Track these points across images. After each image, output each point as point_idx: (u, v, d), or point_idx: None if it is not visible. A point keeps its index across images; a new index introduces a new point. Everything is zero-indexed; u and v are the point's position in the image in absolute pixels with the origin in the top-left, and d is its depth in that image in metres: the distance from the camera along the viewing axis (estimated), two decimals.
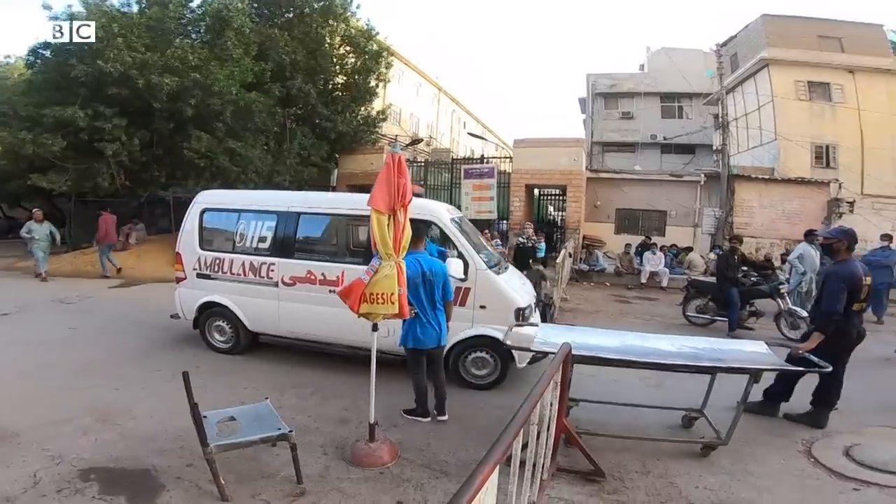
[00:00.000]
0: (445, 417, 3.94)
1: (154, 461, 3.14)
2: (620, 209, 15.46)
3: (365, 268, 3.23)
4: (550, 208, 16.96)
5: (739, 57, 20.39)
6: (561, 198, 15.08)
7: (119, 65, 9.74)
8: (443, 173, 16.98)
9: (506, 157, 15.38)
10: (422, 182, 15.96)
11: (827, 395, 4.02)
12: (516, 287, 4.92)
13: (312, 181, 14.70)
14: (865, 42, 18.09)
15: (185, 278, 5.51)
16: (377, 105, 17.42)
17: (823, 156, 17.34)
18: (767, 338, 6.40)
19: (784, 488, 3.08)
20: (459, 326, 4.47)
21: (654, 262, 12.03)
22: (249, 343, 5.40)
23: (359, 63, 15.68)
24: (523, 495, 2.19)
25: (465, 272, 4.48)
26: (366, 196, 5.01)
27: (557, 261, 8.86)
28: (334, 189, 16.57)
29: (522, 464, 2.12)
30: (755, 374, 3.29)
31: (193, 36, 12.28)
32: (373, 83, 16.13)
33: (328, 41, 14.72)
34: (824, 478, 3.24)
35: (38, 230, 9.86)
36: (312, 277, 4.94)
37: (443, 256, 5.15)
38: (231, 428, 2.97)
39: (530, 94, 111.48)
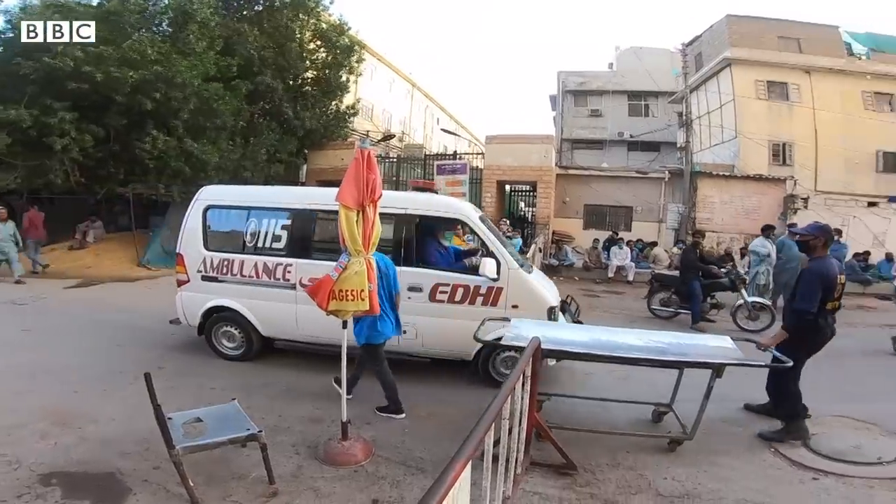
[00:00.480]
0: (403, 416, 3.96)
1: (118, 464, 3.05)
2: (589, 205, 15.78)
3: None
4: (521, 204, 17.17)
5: (704, 56, 20.97)
6: (531, 194, 15.28)
7: (69, 60, 9.28)
8: (415, 169, 16.93)
9: (478, 154, 15.47)
10: (393, 178, 15.88)
11: (794, 400, 3.84)
12: (546, 286, 4.92)
13: (280, 177, 14.46)
14: (822, 43, 18.83)
15: (188, 281, 5.12)
16: (348, 100, 17.21)
17: (780, 153, 18.11)
18: (728, 329, 6.72)
19: (748, 479, 3.18)
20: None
21: (621, 257, 12.36)
22: (262, 348, 5.08)
23: (329, 58, 15.45)
24: (497, 490, 2.21)
25: (497, 272, 4.41)
26: (394, 193, 5.02)
27: (528, 256, 8.98)
28: (303, 185, 16.33)
29: (496, 458, 2.14)
30: (717, 369, 3.36)
31: (155, 29, 11.84)
32: (344, 78, 15.92)
33: (298, 35, 14.43)
34: (785, 468, 3.36)
35: (3, 230, 9.23)
36: None
37: (466, 255, 5.18)
38: (198, 429, 2.91)
39: (503, 90, 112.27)
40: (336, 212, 4.96)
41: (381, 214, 4.89)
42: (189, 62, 10.63)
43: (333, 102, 16.31)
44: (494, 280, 4.42)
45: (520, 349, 3.33)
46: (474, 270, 4.55)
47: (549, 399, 4.04)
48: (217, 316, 5.10)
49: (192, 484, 2.68)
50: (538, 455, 3.27)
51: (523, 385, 2.59)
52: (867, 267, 12.64)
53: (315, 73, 15.56)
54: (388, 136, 18.60)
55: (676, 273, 8.36)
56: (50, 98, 9.65)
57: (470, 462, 1.56)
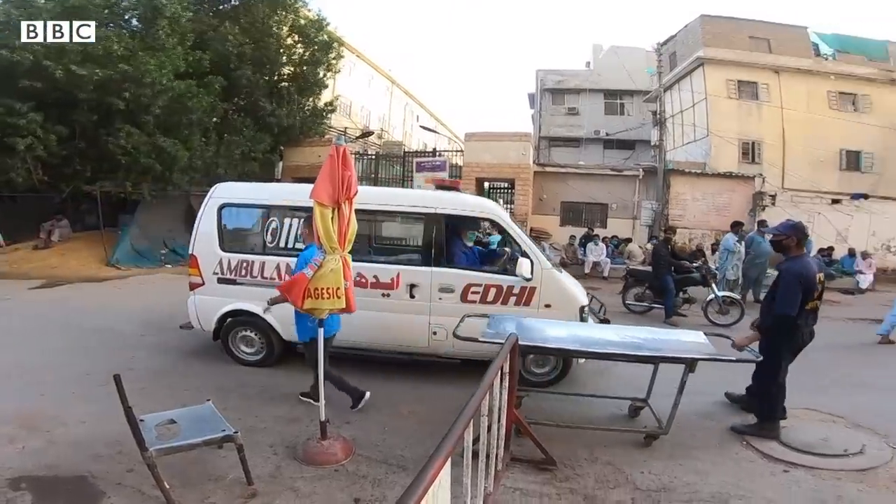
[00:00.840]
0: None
1: (90, 467, 2.98)
2: (565, 202, 15.96)
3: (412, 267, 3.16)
4: (500, 201, 17.28)
5: (678, 56, 21.29)
6: (510, 191, 15.39)
7: (28, 53, 8.92)
8: (394, 166, 16.87)
9: (458, 151, 15.52)
10: (372, 175, 15.79)
11: (772, 403, 3.80)
12: (576, 285, 4.89)
13: (255, 174, 14.23)
14: (791, 43, 19.30)
15: (203, 284, 4.83)
16: (326, 97, 17.01)
17: (750, 152, 18.63)
18: (700, 324, 6.89)
19: (722, 471, 3.26)
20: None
21: (597, 253, 12.59)
22: (282, 353, 4.87)
23: (307, 54, 15.23)
24: (479, 486, 2.21)
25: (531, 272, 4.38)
26: (421, 192, 4.91)
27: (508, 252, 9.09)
28: (279, 182, 16.10)
29: (476, 455, 2.15)
30: (690, 364, 3.41)
31: (123, 24, 11.50)
32: (322, 74, 15.72)
33: (275, 31, 14.19)
34: (757, 460, 3.44)
35: None
36: (363, 280, 4.52)
37: (500, 255, 5.11)
38: (172, 431, 2.86)
39: (483, 88, 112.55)
40: (362, 210, 4.77)
41: (411, 214, 4.81)
42: (158, 59, 10.35)
43: (311, 99, 16.10)
44: (528, 280, 4.40)
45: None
46: (504, 270, 4.59)
47: (528, 395, 4.08)
48: (234, 320, 4.86)
49: (167, 486, 2.63)
50: (518, 451, 3.29)
51: (501, 381, 2.60)
52: (831, 262, 13.12)
53: (292, 69, 15.32)
54: (366, 133, 18.47)
55: (650, 269, 8.55)
56: (6, 96, 9.25)
57: (450, 459, 1.56)
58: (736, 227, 9.73)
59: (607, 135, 25.27)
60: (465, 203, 4.86)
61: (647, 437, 3.60)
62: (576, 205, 15.98)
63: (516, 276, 4.38)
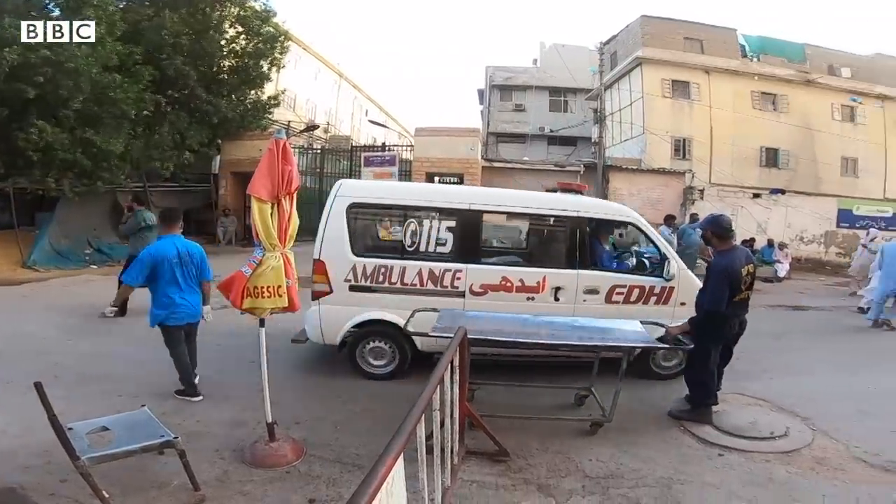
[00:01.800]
0: (199, 398, 4.03)
1: (18, 479, 2.79)
2: None
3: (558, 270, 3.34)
4: None
5: (619, 55, 21.99)
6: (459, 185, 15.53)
7: None
8: (341, 161, 16.57)
9: (408, 146, 15.47)
10: (317, 170, 15.44)
11: (703, 391, 3.95)
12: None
13: (190, 168, 13.55)
14: (721, 44, 20.39)
15: (331, 292, 4.42)
16: (270, 90, 16.42)
17: (681, 148, 19.72)
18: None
19: (664, 457, 3.40)
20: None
21: None
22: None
23: (250, 46, 14.62)
24: (436, 481, 2.24)
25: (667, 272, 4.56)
26: (564, 196, 4.82)
27: None
28: (215, 177, 15.42)
29: (431, 450, 2.17)
30: (628, 352, 3.57)
31: (45, 12, 10.56)
32: (265, 67, 15.14)
33: (215, 22, 13.52)
34: (694, 445, 3.62)
35: None
36: (508, 285, 4.43)
37: (644, 258, 5.17)
38: (105, 438, 2.73)
39: (435, 83, 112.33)
40: (505, 213, 4.80)
41: (557, 218, 4.79)
42: (84, 51, 9.60)
43: (253, 92, 15.52)
44: (668, 280, 4.59)
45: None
46: (639, 270, 4.81)
47: (480, 388, 4.14)
48: (365, 330, 4.54)
49: (106, 495, 2.50)
50: (473, 444, 3.34)
51: (452, 375, 2.61)
52: (752, 252, 14.21)
53: (234, 61, 14.69)
54: (311, 127, 17.99)
55: None
56: None
57: (402, 455, 1.57)
58: (669, 220, 10.39)
59: (551, 131, 25.99)
60: (608, 208, 5.10)
61: (592, 424, 3.72)
62: None
63: (658, 276, 4.63)
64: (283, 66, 16.38)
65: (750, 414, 4.12)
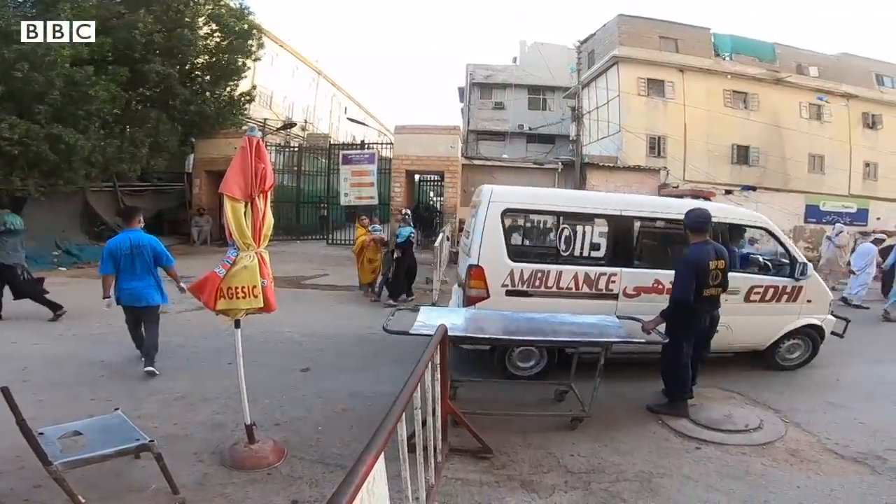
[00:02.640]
0: (151, 369, 4.44)
1: None
2: None
3: None
4: (431, 193, 17.40)
5: (597, 54, 22.32)
6: (440, 183, 15.54)
7: None
8: (319, 159, 16.41)
9: (387, 144, 15.40)
10: (294, 168, 15.25)
11: (679, 384, 4.03)
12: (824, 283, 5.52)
13: (163, 169, 13.24)
14: (695, 43, 20.86)
15: (488, 297, 4.49)
16: (244, 87, 16.13)
17: (656, 146, 20.15)
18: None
19: (643, 451, 3.45)
20: (786, 320, 5.00)
21: None
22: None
23: (225, 43, 14.36)
24: (420, 479, 2.23)
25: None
26: (712, 205, 5.15)
27: (436, 244, 9.17)
28: (189, 175, 15.10)
29: (413, 448, 2.17)
30: (606, 347, 3.62)
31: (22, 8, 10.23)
32: (240, 63, 14.88)
33: (188, 19, 13.20)
34: (672, 439, 3.67)
35: None
36: (660, 287, 4.57)
37: (772, 265, 5.46)
38: (78, 443, 2.66)
39: (417, 81, 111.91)
40: (654, 219, 4.94)
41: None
42: (58, 46, 9.31)
43: (227, 89, 15.23)
44: (797, 280, 4.97)
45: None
46: (766, 270, 5.24)
47: (463, 385, 4.16)
48: None
49: (83, 500, 2.45)
50: (457, 441, 3.35)
51: (433, 373, 2.61)
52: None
53: (207, 58, 14.39)
54: (288, 125, 17.75)
55: None
56: None
57: (384, 454, 1.56)
58: None
59: (530, 129, 26.23)
60: (742, 214, 5.45)
61: (573, 419, 3.76)
62: None
63: (787, 276, 5.01)
64: (259, 59, 16.11)
65: (725, 407, 4.21)
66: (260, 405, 3.81)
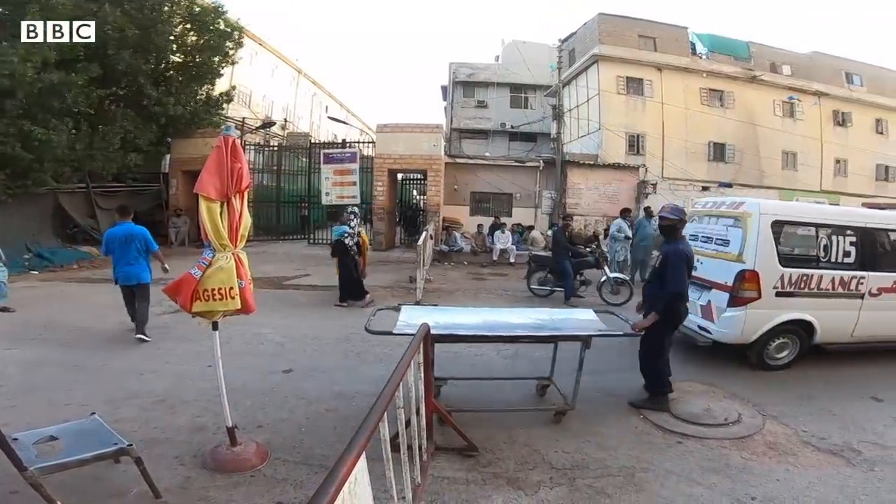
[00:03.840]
0: (141, 336, 5.40)
1: None
2: (475, 192, 16.48)
3: None
4: (414, 192, 17.37)
5: (577, 52, 22.43)
6: (423, 182, 15.52)
7: None
8: (300, 158, 16.23)
9: (369, 142, 15.31)
10: (274, 167, 15.05)
11: (659, 379, 4.16)
12: None
13: (138, 168, 12.94)
14: (673, 42, 21.11)
15: (759, 298, 5.09)
16: (223, 86, 15.84)
17: (635, 144, 20.40)
18: (594, 303, 7.50)
19: (626, 446, 3.50)
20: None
21: (504, 241, 13.17)
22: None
23: (201, 41, 14.06)
24: (406, 478, 2.23)
25: None
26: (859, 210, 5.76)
27: (419, 243, 9.15)
28: (166, 176, 14.79)
29: (398, 448, 2.17)
30: (586, 341, 3.68)
31: None
32: (217, 62, 14.61)
33: (163, 17, 12.91)
34: (654, 433, 3.72)
35: None
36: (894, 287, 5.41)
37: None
38: (55, 448, 2.62)
39: (400, 80, 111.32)
40: (891, 230, 5.49)
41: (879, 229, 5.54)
42: (24, 48, 8.99)
43: (204, 88, 14.94)
44: None
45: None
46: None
47: (446, 384, 4.17)
48: (774, 329, 5.22)
49: None
50: (442, 440, 3.36)
51: (417, 372, 2.61)
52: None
53: (183, 57, 14.08)
54: (267, 124, 17.49)
55: (550, 254, 9.12)
56: None
57: (366, 454, 1.55)
58: (624, 213, 10.74)
59: (512, 127, 26.33)
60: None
61: (556, 413, 3.82)
62: (484, 195, 16.57)
63: None
64: (236, 63, 15.84)
65: (704, 401, 4.29)
66: (242, 407, 3.78)
